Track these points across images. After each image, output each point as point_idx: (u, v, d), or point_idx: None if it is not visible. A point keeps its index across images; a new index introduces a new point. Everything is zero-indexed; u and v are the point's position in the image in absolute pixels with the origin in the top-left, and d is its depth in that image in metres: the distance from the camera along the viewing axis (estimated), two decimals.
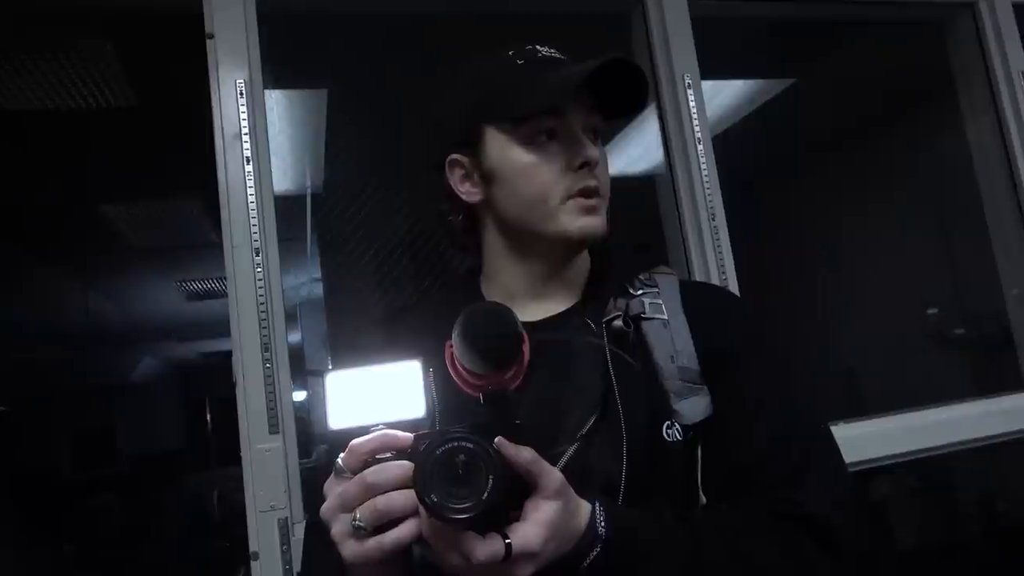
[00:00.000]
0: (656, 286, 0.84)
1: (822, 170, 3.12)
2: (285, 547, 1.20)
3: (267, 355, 1.27)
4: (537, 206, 0.79)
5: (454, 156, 0.82)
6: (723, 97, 2.55)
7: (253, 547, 1.20)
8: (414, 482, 0.57)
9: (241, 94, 1.36)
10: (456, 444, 0.57)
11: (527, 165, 0.78)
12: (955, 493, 2.63)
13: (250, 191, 1.33)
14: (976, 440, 1.73)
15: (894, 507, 2.53)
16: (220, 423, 8.65)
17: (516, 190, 0.79)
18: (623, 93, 0.80)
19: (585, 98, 0.79)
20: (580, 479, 0.66)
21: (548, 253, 0.82)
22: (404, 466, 0.60)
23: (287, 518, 1.22)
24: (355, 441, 0.63)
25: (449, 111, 0.84)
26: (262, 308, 1.28)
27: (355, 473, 0.62)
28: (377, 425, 0.64)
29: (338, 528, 0.62)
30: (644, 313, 0.80)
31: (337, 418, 0.64)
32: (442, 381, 0.69)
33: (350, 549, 0.61)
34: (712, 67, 1.68)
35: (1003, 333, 2.02)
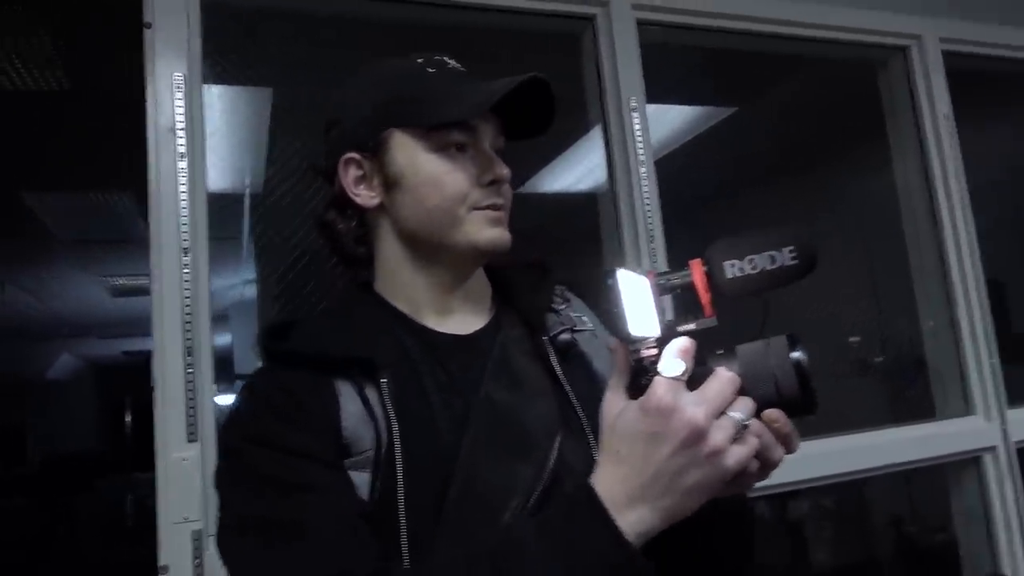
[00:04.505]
0: (569, 300, 0.86)
1: (758, 198, 3.22)
2: (198, 561, 1.16)
3: (190, 359, 1.22)
4: (442, 215, 0.76)
5: (351, 155, 0.78)
6: (667, 121, 2.61)
7: (163, 560, 1.15)
8: (799, 376, 0.59)
9: (178, 88, 1.32)
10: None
11: (438, 173, 0.76)
12: (868, 515, 2.73)
13: (182, 188, 1.29)
14: (890, 466, 1.81)
15: (810, 527, 2.62)
16: (140, 425, 8.30)
17: (422, 197, 0.76)
18: (529, 115, 0.79)
19: (494, 117, 0.78)
20: (562, 479, 0.69)
21: (451, 264, 0.79)
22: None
23: (201, 530, 1.17)
24: (687, 342, 0.59)
25: (349, 112, 0.80)
26: (187, 310, 1.24)
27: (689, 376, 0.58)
28: (653, 337, 0.61)
29: (723, 435, 0.56)
30: (576, 327, 0.82)
31: (635, 325, 0.61)
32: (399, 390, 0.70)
33: (739, 454, 0.57)
34: (658, 92, 1.71)
35: (917, 362, 2.12)
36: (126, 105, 1.40)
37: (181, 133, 1.30)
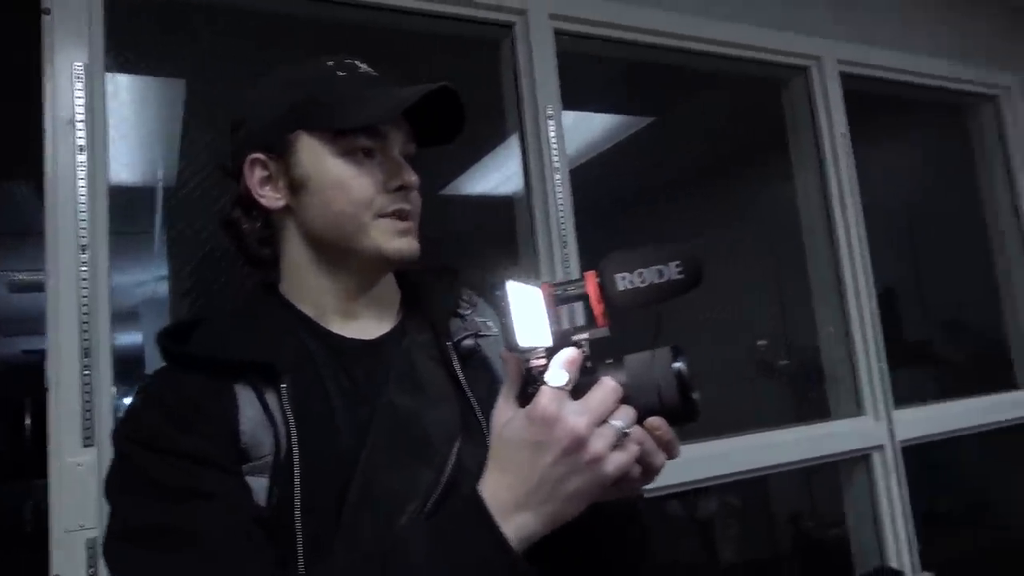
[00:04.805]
0: (476, 304, 0.87)
1: (675, 205, 3.32)
2: (92, 571, 1.11)
3: (87, 360, 1.17)
4: (348, 220, 0.76)
5: (257, 155, 0.78)
6: (588, 129, 2.66)
7: (55, 570, 1.10)
8: (680, 386, 0.61)
9: (78, 78, 1.27)
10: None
11: (344, 178, 0.76)
12: (771, 512, 2.87)
13: (80, 182, 1.24)
14: (788, 464, 1.91)
15: (718, 525, 2.72)
16: (39, 428, 7.82)
17: (327, 201, 0.76)
18: (439, 122, 0.80)
19: (404, 123, 0.79)
20: (459, 484, 0.71)
21: (357, 269, 0.79)
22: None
23: (96, 538, 1.13)
24: (573, 353, 0.61)
25: (255, 112, 0.80)
26: (85, 309, 1.19)
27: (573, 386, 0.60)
28: (543, 348, 0.63)
29: (603, 443, 0.58)
30: (481, 331, 0.83)
31: (524, 336, 0.62)
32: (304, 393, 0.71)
33: (619, 460, 0.59)
34: (578, 100, 1.75)
35: (818, 366, 2.24)
36: (25, 93, 1.34)
37: (81, 125, 1.25)
